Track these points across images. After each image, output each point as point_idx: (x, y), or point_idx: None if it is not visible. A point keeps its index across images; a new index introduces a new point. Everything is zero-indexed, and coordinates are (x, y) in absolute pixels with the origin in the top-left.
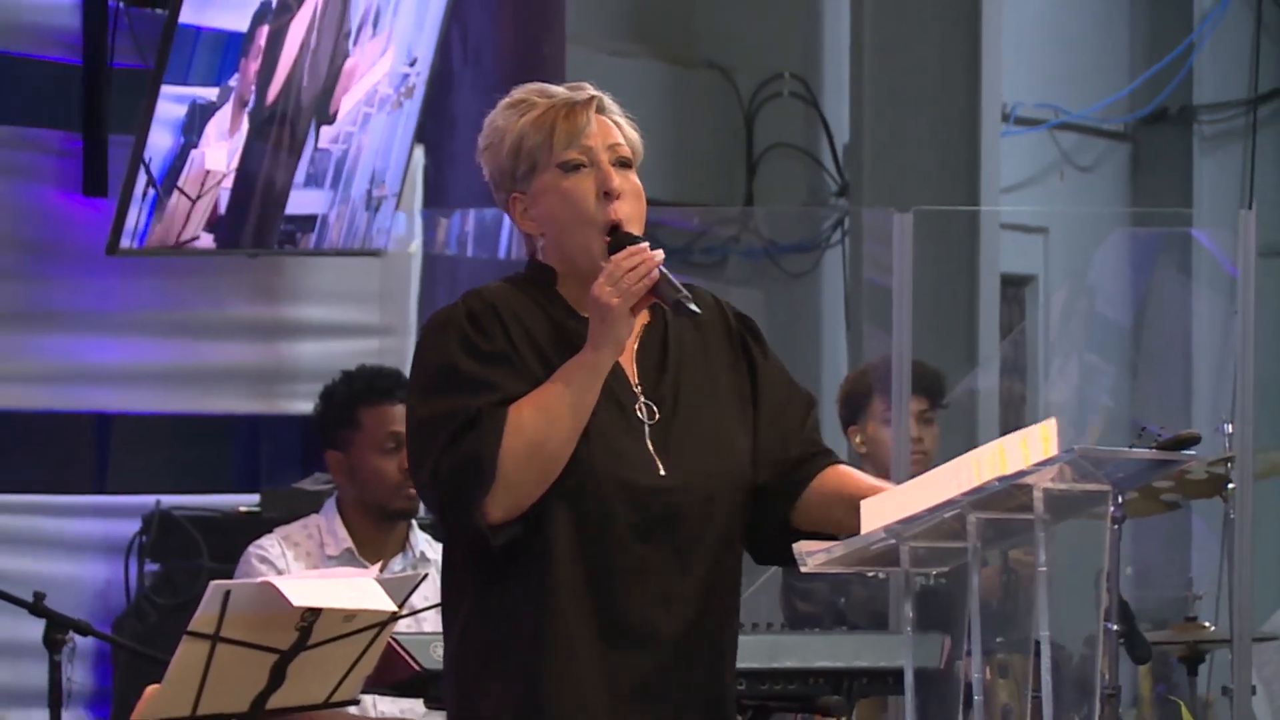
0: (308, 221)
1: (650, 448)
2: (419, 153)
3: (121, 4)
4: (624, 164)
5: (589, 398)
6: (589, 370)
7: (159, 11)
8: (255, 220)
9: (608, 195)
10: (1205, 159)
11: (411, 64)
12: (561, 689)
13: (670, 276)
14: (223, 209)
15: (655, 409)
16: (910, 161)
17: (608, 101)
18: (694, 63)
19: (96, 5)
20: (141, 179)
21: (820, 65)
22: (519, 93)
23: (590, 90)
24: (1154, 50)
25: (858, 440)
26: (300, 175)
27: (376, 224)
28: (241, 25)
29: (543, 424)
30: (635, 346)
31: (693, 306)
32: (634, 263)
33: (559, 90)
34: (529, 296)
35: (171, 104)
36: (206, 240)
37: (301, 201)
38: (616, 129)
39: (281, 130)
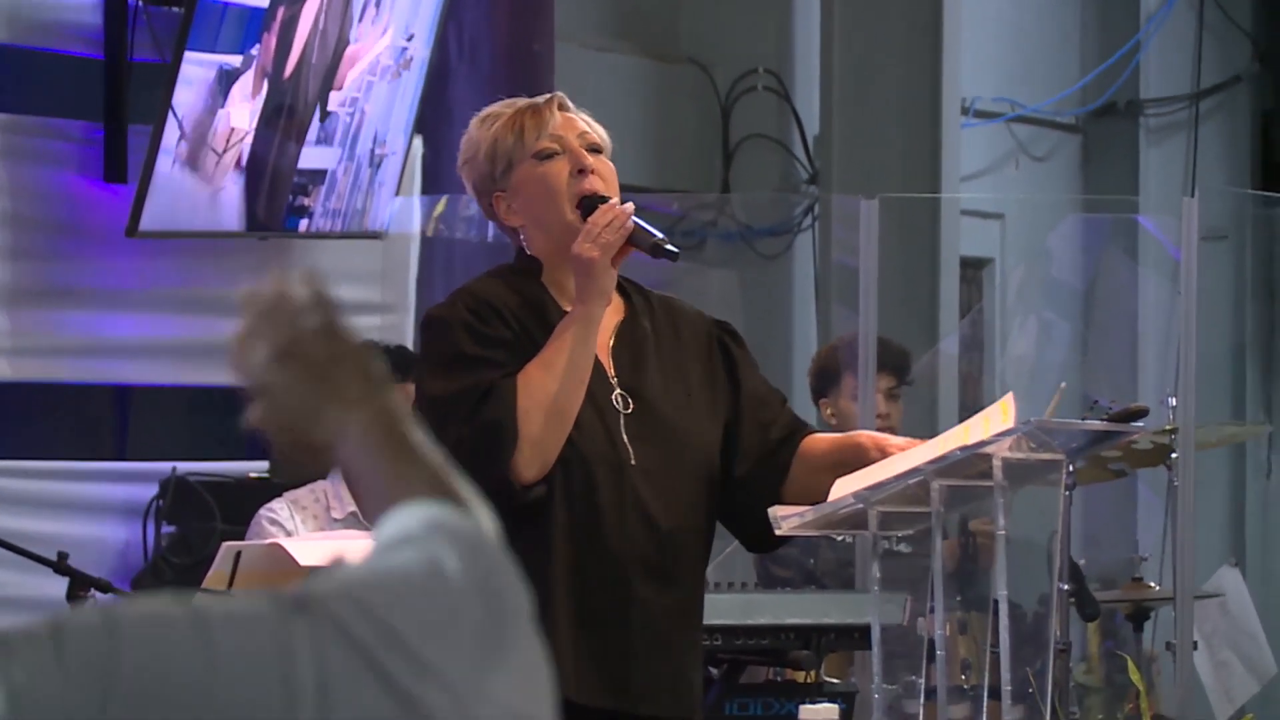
0: (319, 175)
1: (625, 437)
2: (418, 142)
3: (140, 2)
4: (595, 149)
5: (587, 349)
6: (582, 323)
7: (175, 10)
8: (267, 191)
9: (581, 173)
10: (1151, 150)
11: (409, 39)
12: (578, 633)
13: (644, 225)
14: (244, 161)
15: (630, 399)
16: (876, 151)
17: (568, 101)
18: (675, 59)
19: (117, 3)
20: (161, 163)
21: (792, 61)
22: (486, 111)
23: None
24: (1103, 48)
25: (828, 412)
26: (312, 134)
27: (377, 207)
28: (262, 2)
29: (550, 380)
30: (610, 341)
31: (670, 247)
32: (608, 218)
33: (522, 101)
34: (514, 288)
35: (201, 68)
36: (233, 190)
37: (313, 158)
38: (582, 121)
39: (296, 95)
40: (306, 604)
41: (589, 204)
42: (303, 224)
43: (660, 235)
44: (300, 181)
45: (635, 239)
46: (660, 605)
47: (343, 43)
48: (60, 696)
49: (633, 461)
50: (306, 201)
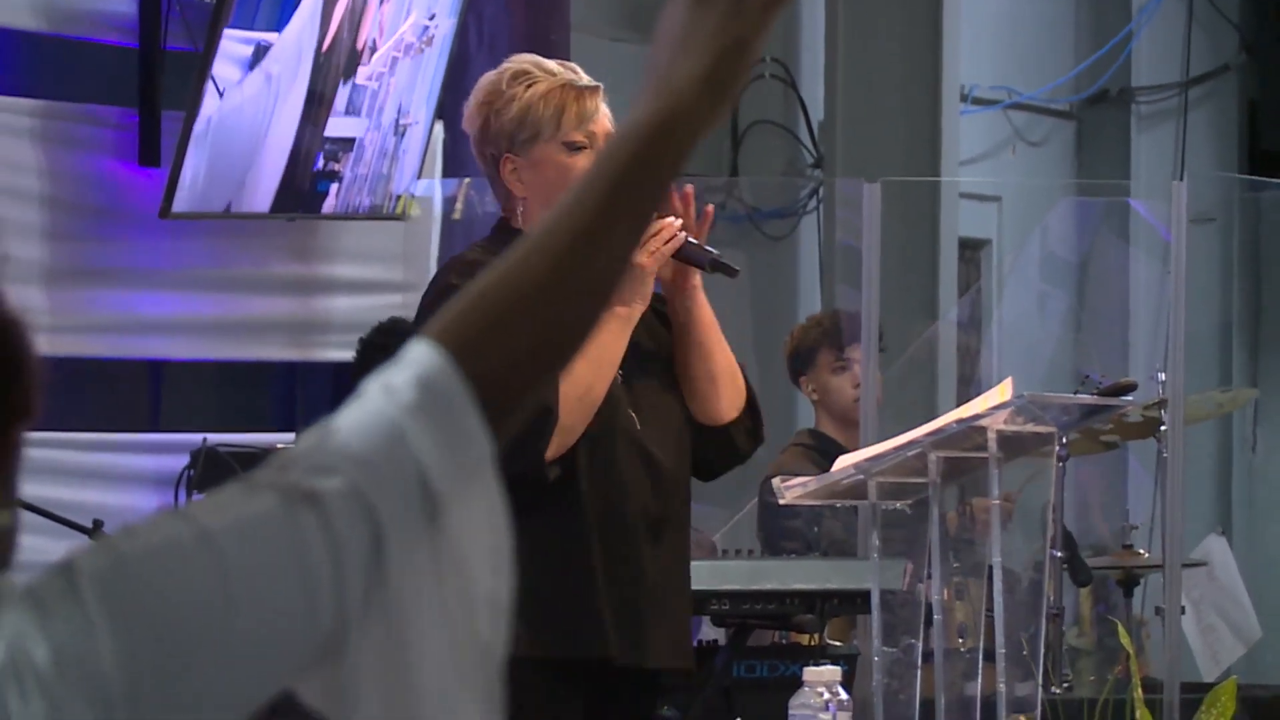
0: (347, 143)
1: (627, 406)
2: (439, 128)
3: None
4: None
5: (621, 346)
6: (623, 322)
7: (206, 1)
8: (300, 164)
9: None
10: (1142, 136)
11: (431, 18)
12: (606, 597)
13: (694, 242)
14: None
15: (620, 374)
16: (878, 137)
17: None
18: None
19: None
20: (194, 148)
21: (798, 51)
22: (519, 63)
23: (589, 79)
24: (1096, 38)
25: (810, 389)
26: (340, 104)
27: (401, 173)
28: None
29: (590, 373)
30: None
31: (728, 263)
32: (659, 230)
33: (556, 68)
34: (497, 242)
35: (239, 44)
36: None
37: (341, 126)
38: (609, 120)
39: (328, 69)
40: (314, 493)
41: None
42: (332, 188)
43: (715, 253)
44: (331, 149)
45: (688, 253)
46: (663, 563)
47: (369, 27)
48: (91, 645)
49: (638, 427)
50: (336, 167)
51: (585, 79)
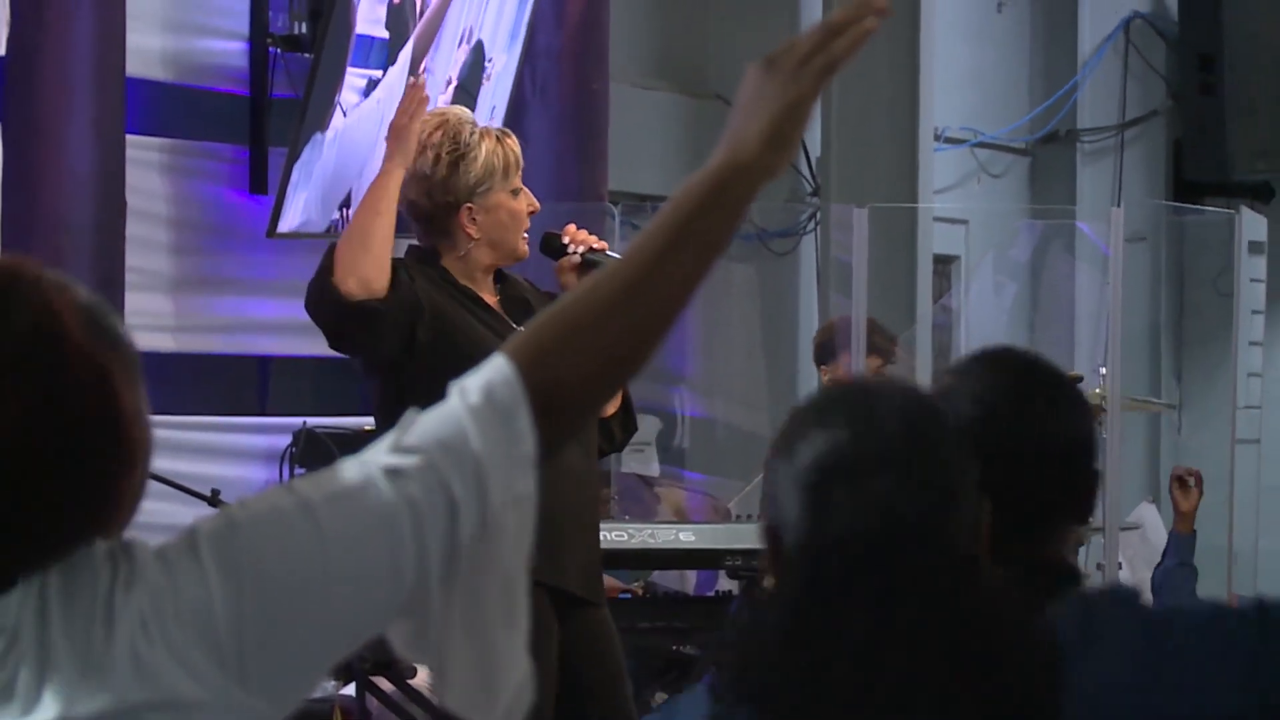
0: None
1: None
2: None
3: (278, 49)
4: None
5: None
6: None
7: (306, 55)
8: None
9: (530, 212)
10: (1085, 169)
11: (489, 61)
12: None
13: (598, 252)
14: None
15: None
16: (866, 169)
17: None
18: (705, 95)
19: (260, 49)
20: (295, 178)
21: None
22: (457, 112)
23: (499, 126)
24: (1047, 87)
25: (827, 378)
26: None
27: None
28: (385, 34)
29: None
30: (498, 300)
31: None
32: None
33: (472, 119)
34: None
35: (358, 78)
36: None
37: None
38: None
39: None
40: (399, 470)
41: (551, 242)
42: None
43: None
44: None
45: (593, 264)
46: (590, 510)
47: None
48: (205, 596)
49: None
50: None
51: (499, 127)
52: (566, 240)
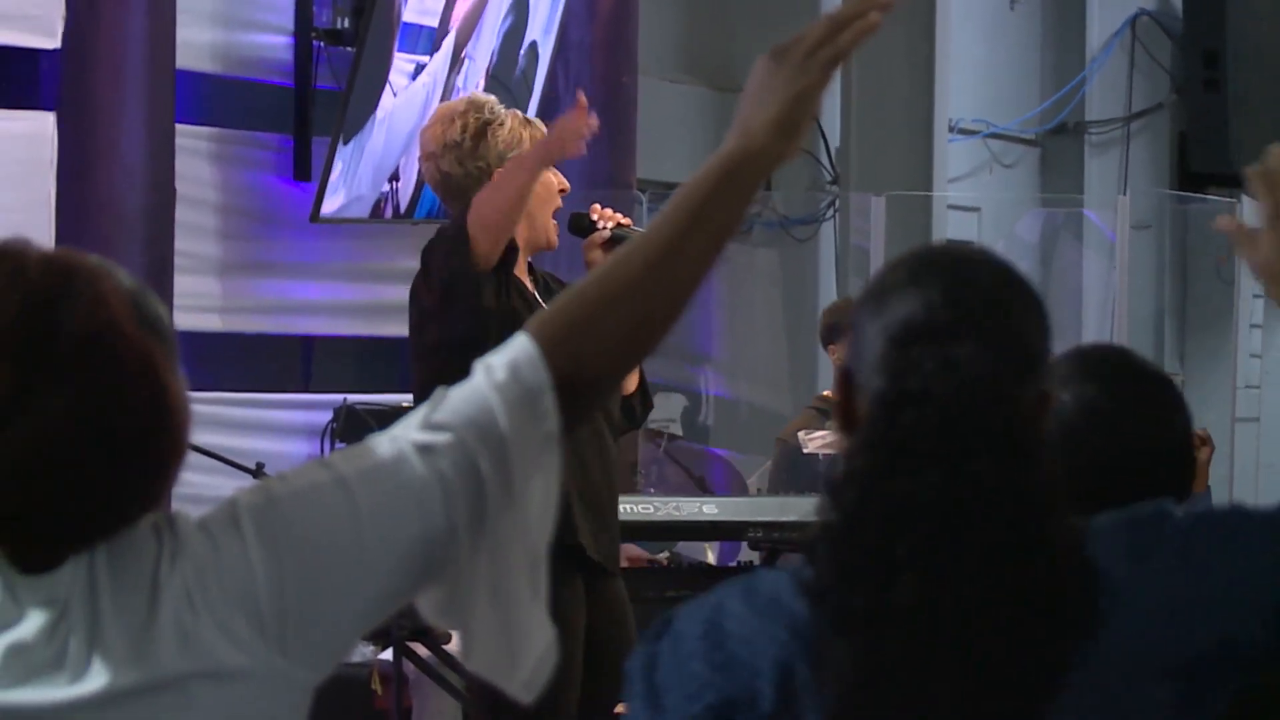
0: None
1: None
2: None
3: (321, 43)
4: None
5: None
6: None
7: (349, 49)
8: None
9: (560, 191)
10: (1093, 159)
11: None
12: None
13: (626, 226)
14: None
15: None
16: (884, 159)
17: None
18: (730, 88)
19: (304, 43)
20: (337, 166)
21: None
22: (483, 94)
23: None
24: (1057, 81)
25: (835, 357)
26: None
27: None
28: (433, 23)
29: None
30: (538, 294)
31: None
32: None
33: (490, 102)
34: None
35: (407, 63)
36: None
37: None
38: None
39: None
40: (429, 446)
41: (580, 221)
42: None
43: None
44: None
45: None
46: (612, 484)
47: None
48: (247, 566)
49: None
50: None
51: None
52: (595, 217)
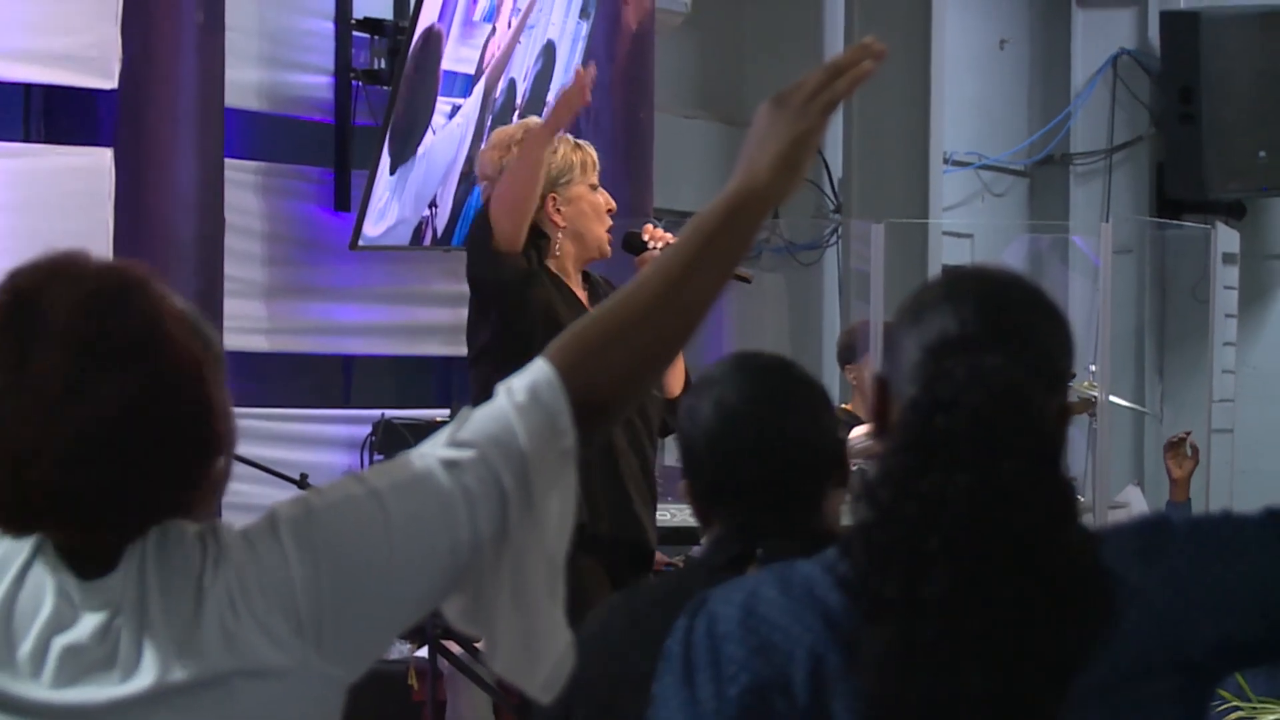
0: None
1: None
2: None
3: (360, 83)
4: None
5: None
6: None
7: (386, 88)
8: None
9: (609, 210)
10: (1078, 188)
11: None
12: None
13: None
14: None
15: None
16: (883, 189)
17: None
18: (741, 123)
19: (344, 82)
20: (383, 196)
21: None
22: (538, 121)
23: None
24: (1044, 115)
25: (851, 376)
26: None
27: None
28: (469, 70)
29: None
30: (586, 292)
31: (741, 273)
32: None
33: (545, 129)
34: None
35: (445, 105)
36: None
37: None
38: None
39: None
40: (455, 462)
41: (633, 239)
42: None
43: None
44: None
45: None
46: (650, 486)
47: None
48: (286, 574)
49: None
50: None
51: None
52: (647, 238)
